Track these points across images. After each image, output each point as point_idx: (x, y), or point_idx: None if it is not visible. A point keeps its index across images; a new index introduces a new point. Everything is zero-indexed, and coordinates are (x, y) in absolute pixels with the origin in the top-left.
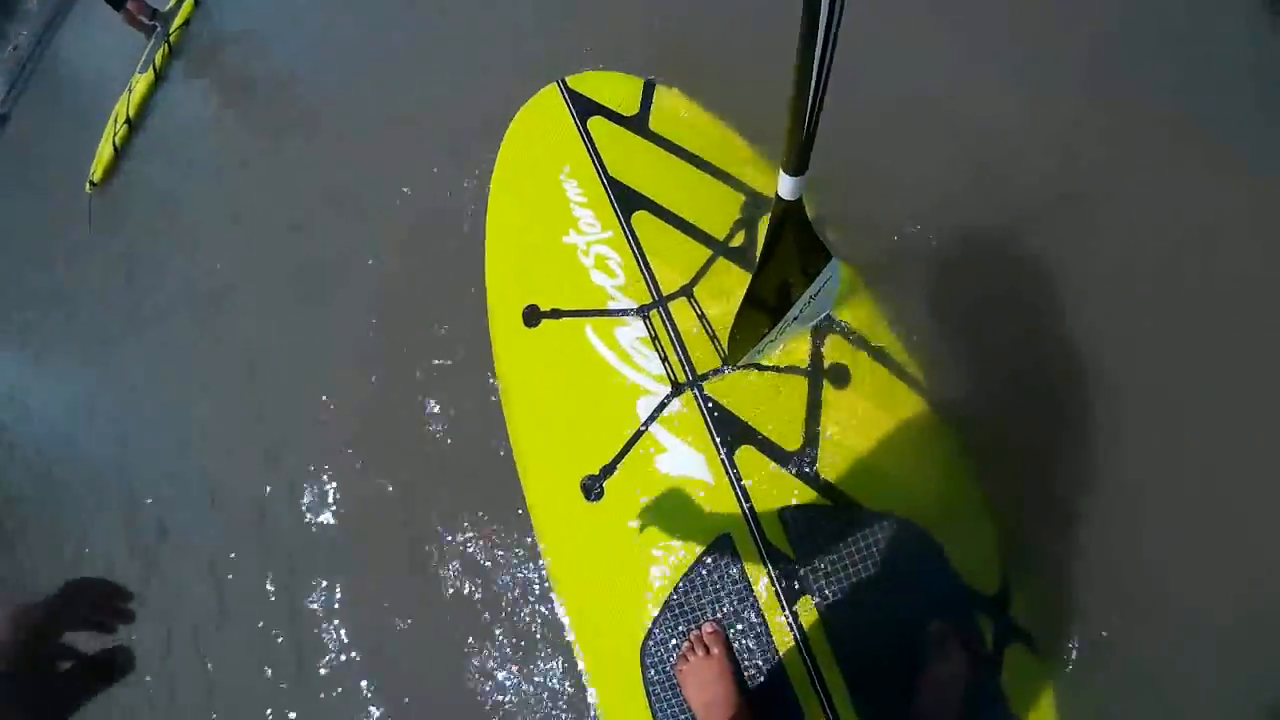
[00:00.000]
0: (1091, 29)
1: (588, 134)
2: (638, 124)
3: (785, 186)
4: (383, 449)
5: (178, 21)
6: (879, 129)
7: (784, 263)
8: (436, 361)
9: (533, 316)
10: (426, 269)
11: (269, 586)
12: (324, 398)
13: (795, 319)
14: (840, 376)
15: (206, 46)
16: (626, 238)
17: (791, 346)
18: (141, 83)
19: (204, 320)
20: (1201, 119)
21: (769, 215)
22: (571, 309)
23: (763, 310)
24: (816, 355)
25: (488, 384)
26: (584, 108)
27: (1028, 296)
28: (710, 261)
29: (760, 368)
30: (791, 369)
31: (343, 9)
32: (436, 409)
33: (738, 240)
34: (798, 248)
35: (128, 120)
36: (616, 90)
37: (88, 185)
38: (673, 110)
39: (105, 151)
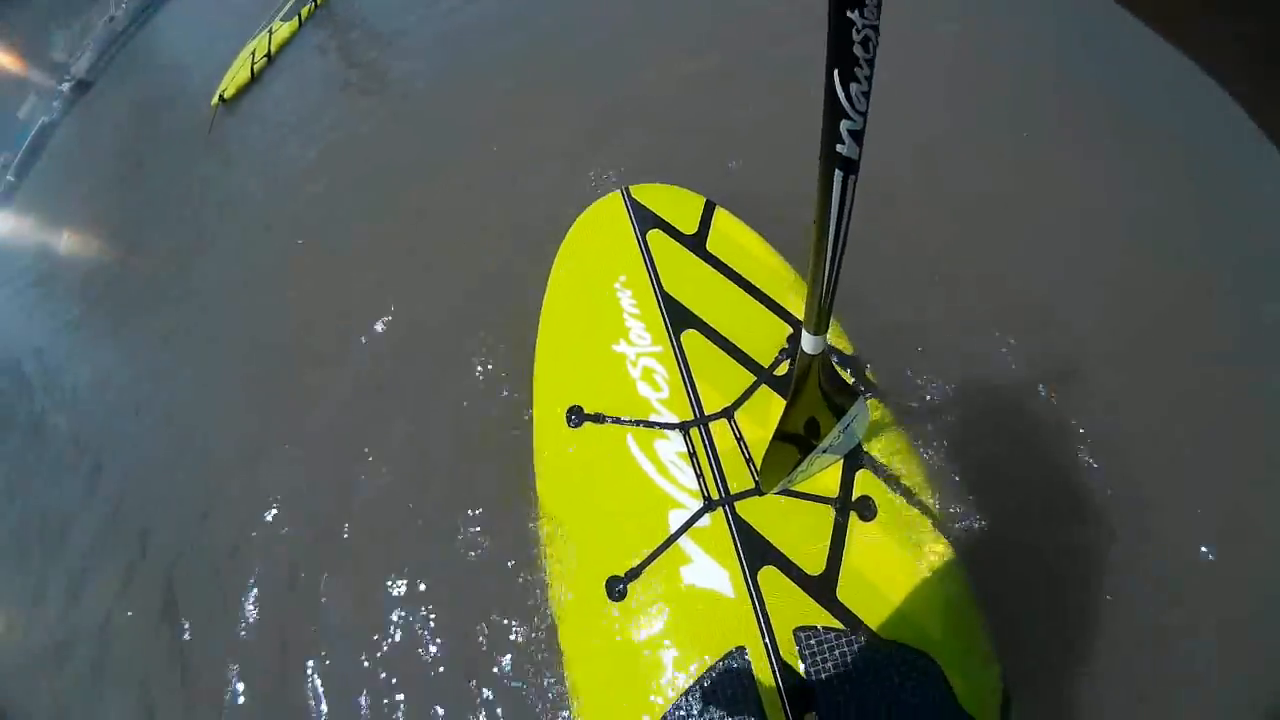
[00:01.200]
0: (1130, 202)
1: (646, 246)
2: (695, 243)
3: (808, 343)
4: (418, 528)
5: None
6: (916, 287)
7: (812, 402)
8: (477, 445)
9: (576, 417)
10: (478, 350)
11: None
12: (365, 449)
13: (825, 450)
14: (867, 508)
15: (342, 16)
16: (675, 354)
17: (823, 475)
18: (285, 28)
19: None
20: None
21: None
22: (615, 415)
23: (793, 442)
24: (846, 486)
25: (527, 473)
26: (645, 219)
27: (1050, 448)
28: (753, 388)
29: (791, 494)
30: (821, 498)
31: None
32: (474, 492)
33: (781, 369)
34: (825, 390)
35: (268, 54)
36: (678, 206)
37: (216, 98)
38: (730, 233)
39: (241, 75)
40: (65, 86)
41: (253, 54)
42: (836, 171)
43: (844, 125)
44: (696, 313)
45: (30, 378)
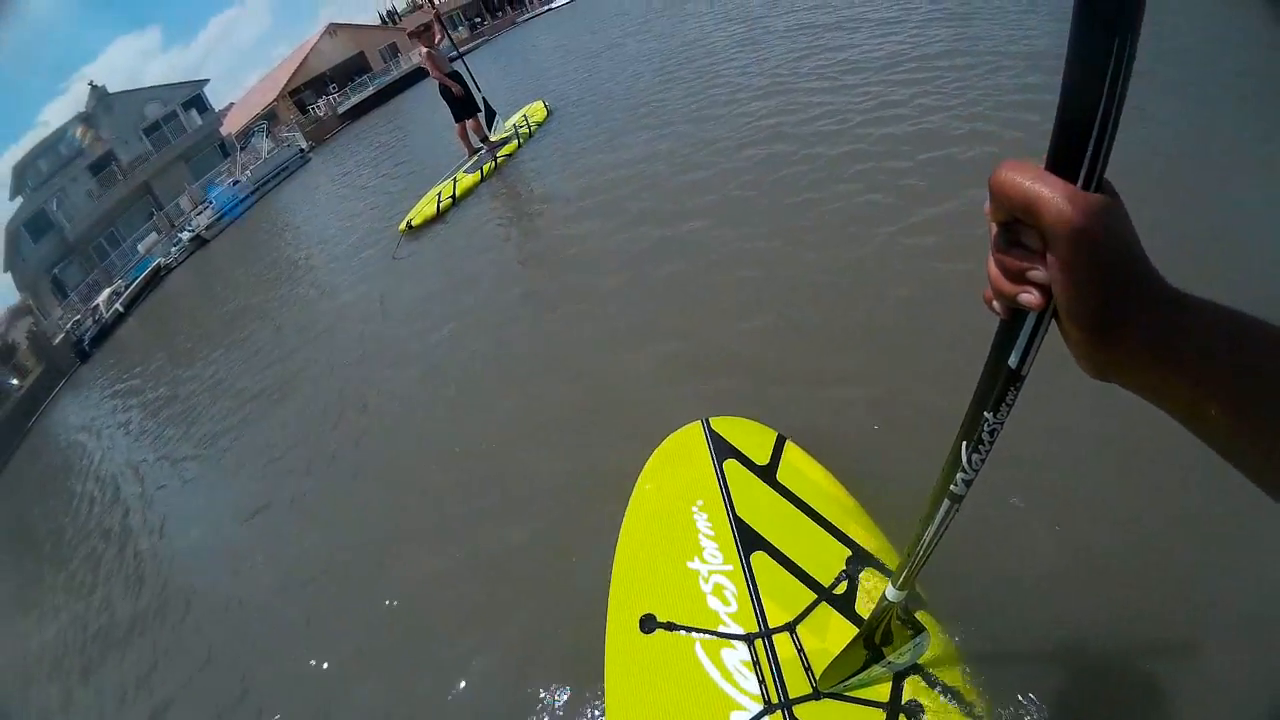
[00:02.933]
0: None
1: (723, 475)
2: (767, 473)
3: (891, 594)
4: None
5: (506, 150)
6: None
7: (886, 627)
8: (548, 646)
9: (649, 624)
10: (558, 557)
11: None
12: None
13: (885, 665)
14: (914, 712)
15: (506, 182)
16: (744, 573)
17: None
18: (468, 179)
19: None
20: None
21: (867, 569)
22: (686, 625)
23: (863, 651)
24: (896, 692)
25: (595, 676)
26: (722, 450)
27: (1102, 687)
28: (814, 605)
29: (844, 698)
30: (873, 702)
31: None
32: (544, 683)
33: (840, 589)
34: (898, 621)
35: (453, 197)
36: (752, 439)
37: (404, 225)
38: (798, 465)
39: (428, 210)
40: (185, 236)
41: (439, 194)
42: (945, 500)
43: (959, 475)
44: (766, 536)
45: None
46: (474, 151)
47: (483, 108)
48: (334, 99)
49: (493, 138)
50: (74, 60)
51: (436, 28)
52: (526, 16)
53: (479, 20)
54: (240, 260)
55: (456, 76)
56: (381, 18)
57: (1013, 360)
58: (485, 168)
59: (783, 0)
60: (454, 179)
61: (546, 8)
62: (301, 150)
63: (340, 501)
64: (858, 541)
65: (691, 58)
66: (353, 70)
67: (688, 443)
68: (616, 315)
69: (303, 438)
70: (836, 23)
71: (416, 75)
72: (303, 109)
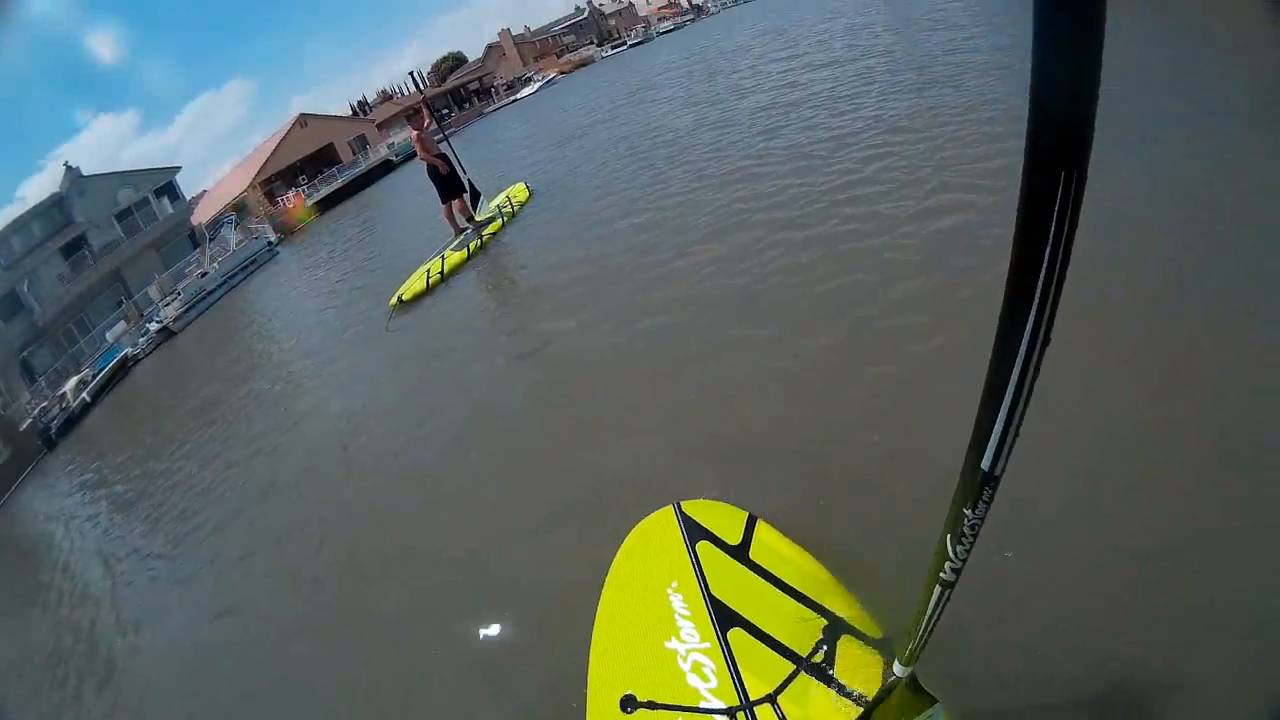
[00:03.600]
0: None
1: (696, 556)
2: (740, 552)
3: (899, 669)
4: None
5: (491, 229)
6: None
7: (898, 702)
8: None
9: (630, 704)
10: (536, 642)
11: None
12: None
13: None
14: None
15: (494, 259)
16: (722, 650)
17: None
18: (455, 257)
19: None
20: None
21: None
22: (667, 703)
23: None
24: None
25: None
26: (695, 532)
27: None
28: (793, 675)
29: None
30: None
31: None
32: None
33: (818, 657)
34: (908, 693)
35: (441, 274)
36: (723, 520)
37: (395, 300)
38: (770, 543)
39: (417, 286)
40: (152, 327)
41: (428, 271)
42: (938, 587)
43: (948, 564)
44: (741, 612)
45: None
46: (460, 231)
47: (468, 188)
48: (304, 190)
49: (478, 217)
50: (53, 138)
51: (425, 112)
52: (493, 107)
53: (446, 111)
54: (208, 353)
55: (443, 158)
56: (353, 108)
57: (985, 463)
58: (471, 246)
59: (745, 81)
60: (442, 256)
61: (513, 98)
62: (270, 243)
63: (306, 612)
64: (833, 611)
65: (662, 143)
66: (322, 161)
67: (660, 526)
68: (598, 404)
69: (271, 535)
70: (800, 100)
71: (384, 168)
72: (272, 199)
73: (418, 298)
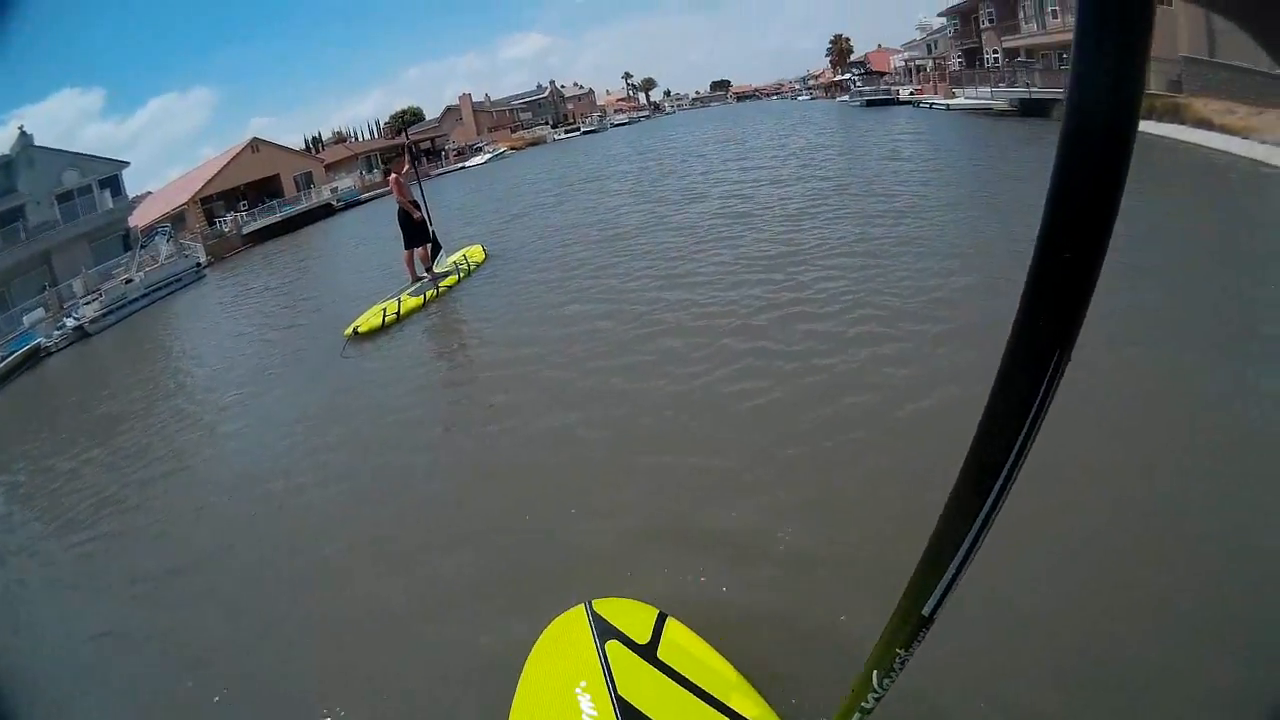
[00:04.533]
0: None
1: (605, 657)
2: (648, 652)
3: None
4: None
5: (448, 282)
6: None
7: None
8: None
9: None
10: None
11: None
12: None
13: None
14: None
15: (445, 312)
16: None
17: None
18: (411, 301)
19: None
20: None
21: None
22: None
23: None
24: None
25: None
26: (604, 631)
27: None
28: None
29: None
30: None
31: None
32: None
33: None
34: None
35: (397, 314)
36: (633, 618)
37: (350, 330)
38: (679, 643)
39: (374, 321)
40: (69, 323)
41: (384, 309)
42: (857, 714)
43: (871, 695)
44: (648, 715)
45: None
46: (417, 278)
47: (432, 239)
48: (241, 217)
49: (436, 269)
50: (18, 98)
51: (406, 158)
52: (440, 170)
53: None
54: (123, 363)
55: (416, 205)
56: (307, 143)
57: (927, 609)
58: (428, 294)
59: (697, 185)
60: (399, 299)
61: (461, 165)
62: (198, 264)
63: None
64: (740, 713)
65: (615, 235)
66: (266, 191)
67: (571, 626)
68: (523, 491)
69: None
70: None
71: (325, 211)
72: (210, 219)
73: (373, 332)
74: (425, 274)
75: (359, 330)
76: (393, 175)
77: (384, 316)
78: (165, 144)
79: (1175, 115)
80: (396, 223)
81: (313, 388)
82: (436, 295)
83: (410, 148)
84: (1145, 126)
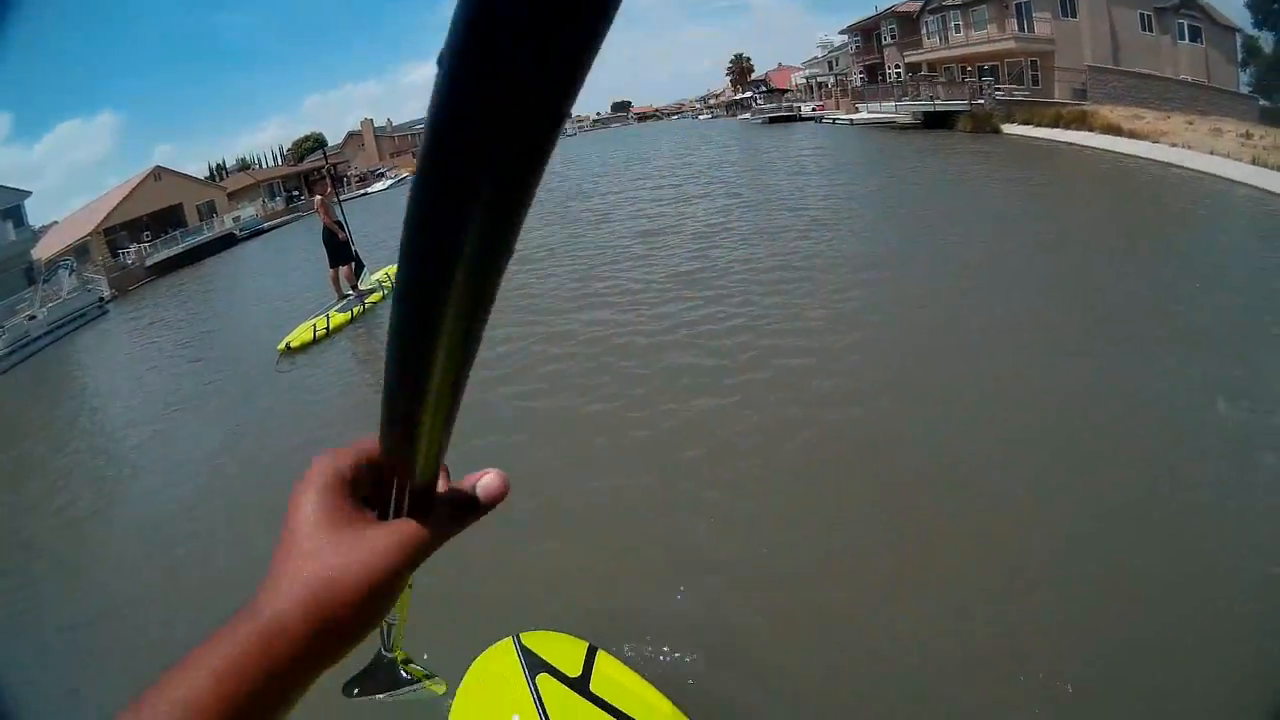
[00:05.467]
0: None
1: (537, 691)
2: (580, 684)
3: None
4: None
5: (372, 299)
6: None
7: None
8: None
9: None
10: None
11: None
12: None
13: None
14: None
15: (372, 328)
16: None
17: None
18: (340, 317)
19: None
20: None
21: None
22: None
23: None
24: None
25: None
26: (534, 664)
27: None
28: None
29: None
30: None
31: None
32: None
33: None
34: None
35: (327, 329)
36: (563, 651)
37: (283, 345)
38: (611, 675)
39: (305, 336)
40: None
41: (315, 325)
42: None
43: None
44: None
45: None
46: (342, 295)
47: (355, 257)
48: (145, 248)
49: (361, 286)
50: None
51: (328, 181)
52: (345, 197)
53: (297, 194)
54: (34, 404)
55: (340, 225)
56: (210, 171)
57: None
58: (355, 310)
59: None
60: (327, 315)
61: (363, 191)
62: (101, 298)
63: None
64: None
65: (517, 258)
66: (169, 221)
67: (500, 660)
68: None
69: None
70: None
71: (226, 241)
72: (114, 250)
73: (305, 346)
74: (350, 291)
75: (291, 345)
76: (318, 197)
77: (314, 332)
78: (71, 171)
79: (1083, 123)
80: (342, 236)
81: (246, 403)
82: (363, 311)
83: (331, 170)
84: (1054, 135)
